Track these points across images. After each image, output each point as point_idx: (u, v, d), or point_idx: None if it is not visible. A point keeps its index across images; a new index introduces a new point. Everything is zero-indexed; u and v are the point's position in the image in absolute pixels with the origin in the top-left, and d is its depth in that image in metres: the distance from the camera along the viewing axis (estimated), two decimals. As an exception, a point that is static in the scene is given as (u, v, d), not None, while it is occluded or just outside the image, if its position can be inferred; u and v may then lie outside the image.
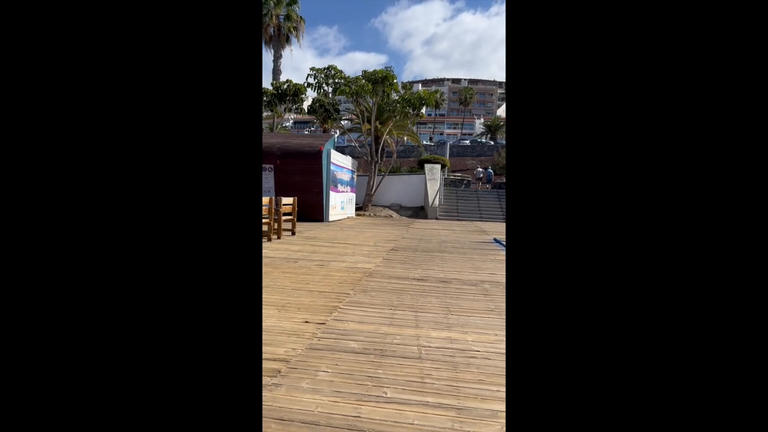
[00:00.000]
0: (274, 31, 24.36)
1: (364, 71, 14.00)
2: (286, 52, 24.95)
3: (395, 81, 13.81)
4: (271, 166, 11.59)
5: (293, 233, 7.63)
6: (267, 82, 16.86)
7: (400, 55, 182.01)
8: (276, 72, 24.01)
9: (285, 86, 16.01)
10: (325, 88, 14.99)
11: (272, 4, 23.66)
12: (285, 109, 17.20)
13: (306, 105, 16.39)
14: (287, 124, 34.52)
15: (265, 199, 6.41)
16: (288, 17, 24.04)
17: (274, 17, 23.94)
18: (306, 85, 15.02)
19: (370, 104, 15.43)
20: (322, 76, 14.68)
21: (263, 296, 2.36)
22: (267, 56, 24.67)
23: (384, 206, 16.33)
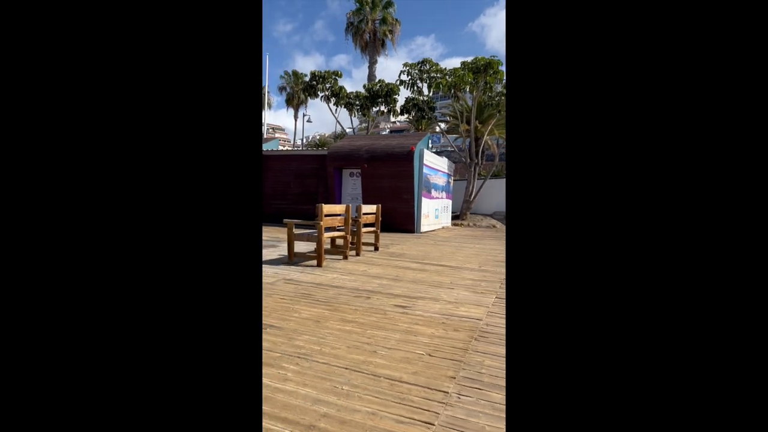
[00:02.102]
0: (369, 36, 24.15)
1: (463, 62, 12.28)
2: (381, 58, 24.52)
3: (500, 68, 11.78)
4: (359, 170, 10.58)
5: (376, 248, 6.28)
6: (361, 88, 16.33)
7: (499, 56, 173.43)
8: (371, 78, 23.69)
9: (377, 87, 15.16)
10: (419, 84, 13.69)
11: (368, 9, 23.45)
12: (377, 112, 16.39)
13: (399, 106, 15.32)
14: (384, 134, 34.39)
15: (341, 207, 5.17)
16: (384, 20, 23.57)
17: (370, 23, 23.72)
18: (398, 83, 13.92)
19: (469, 102, 13.63)
20: (416, 71, 13.40)
21: (284, 385, 1.70)
22: (363, 63, 24.61)
23: (485, 215, 14.24)
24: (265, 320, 2.56)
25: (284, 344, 2.15)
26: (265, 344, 2.13)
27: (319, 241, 4.60)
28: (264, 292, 3.33)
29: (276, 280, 3.80)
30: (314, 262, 4.85)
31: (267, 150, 12.04)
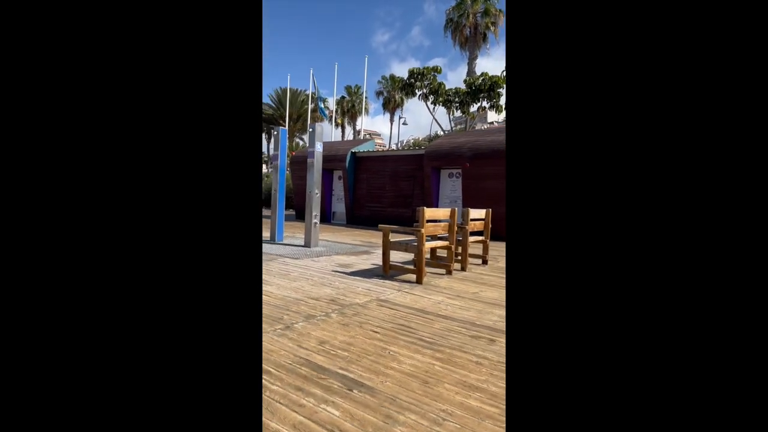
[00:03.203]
0: (470, 31, 22.82)
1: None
2: (479, 57, 23.00)
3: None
4: (459, 170, 9.55)
5: (485, 262, 5.23)
6: (459, 84, 15.23)
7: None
8: (471, 74, 22.33)
9: (479, 81, 13.91)
10: (530, 74, 12.10)
11: (469, 2, 22.17)
12: (479, 109, 15.10)
13: (503, 101, 13.83)
14: (489, 128, 32.58)
15: (445, 212, 4.27)
16: (486, 12, 22.02)
17: (471, 16, 22.40)
18: (504, 74, 12.51)
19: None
20: (527, 59, 11.88)
21: None
22: (458, 65, 23.62)
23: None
24: (352, 370, 1.80)
25: (379, 430, 1.34)
26: (350, 427, 1.35)
27: (419, 252, 3.78)
28: (355, 318, 2.62)
29: (368, 301, 3.08)
30: (413, 276, 4.05)
31: (362, 151, 11.77)
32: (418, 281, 3.80)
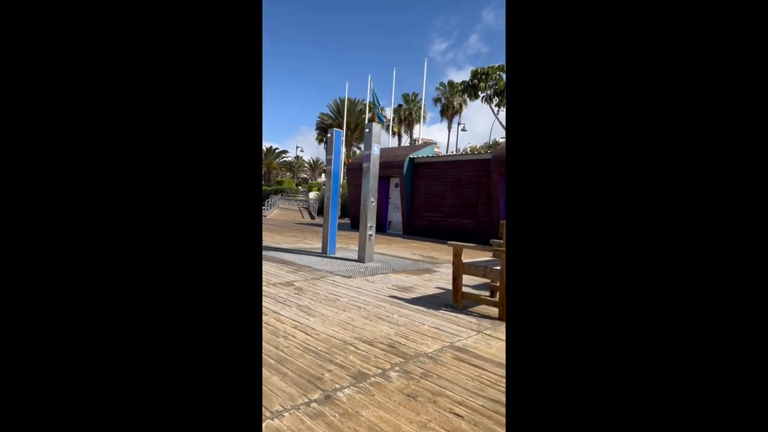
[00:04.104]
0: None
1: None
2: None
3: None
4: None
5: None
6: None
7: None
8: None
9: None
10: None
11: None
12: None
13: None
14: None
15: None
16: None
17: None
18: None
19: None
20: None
21: None
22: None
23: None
24: None
25: None
26: None
27: (503, 279, 2.88)
28: (424, 382, 1.80)
29: (440, 349, 2.25)
30: (493, 311, 3.15)
31: (421, 157, 10.99)
32: (502, 318, 2.90)
